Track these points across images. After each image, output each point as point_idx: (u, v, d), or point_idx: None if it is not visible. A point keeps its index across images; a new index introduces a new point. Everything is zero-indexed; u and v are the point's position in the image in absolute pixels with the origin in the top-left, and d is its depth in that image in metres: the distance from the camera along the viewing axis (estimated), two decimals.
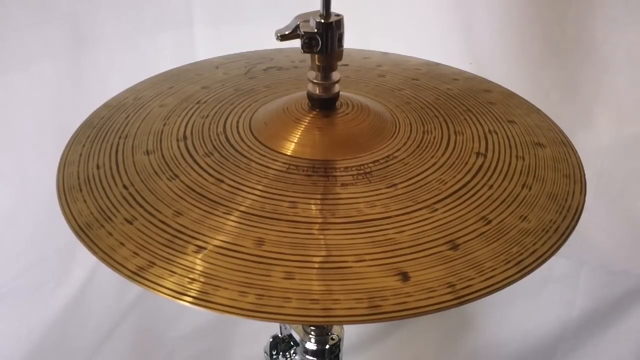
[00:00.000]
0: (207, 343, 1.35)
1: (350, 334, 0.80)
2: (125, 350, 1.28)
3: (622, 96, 1.03)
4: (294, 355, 0.79)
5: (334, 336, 0.75)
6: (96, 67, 1.06)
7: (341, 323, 0.44)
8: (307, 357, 0.75)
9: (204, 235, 0.50)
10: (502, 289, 0.46)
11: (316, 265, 0.47)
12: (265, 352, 0.79)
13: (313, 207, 0.53)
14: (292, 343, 0.78)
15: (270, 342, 0.79)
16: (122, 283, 1.11)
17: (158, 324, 1.30)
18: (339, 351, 0.76)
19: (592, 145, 1.04)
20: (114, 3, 1.05)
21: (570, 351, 1.25)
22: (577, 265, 1.17)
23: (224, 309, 0.44)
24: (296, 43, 0.60)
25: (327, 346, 0.75)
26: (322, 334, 0.74)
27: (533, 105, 0.73)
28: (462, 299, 0.45)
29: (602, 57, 1.00)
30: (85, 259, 1.14)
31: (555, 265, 1.19)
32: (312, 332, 0.74)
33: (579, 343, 1.24)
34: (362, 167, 0.57)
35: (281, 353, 0.79)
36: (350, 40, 0.64)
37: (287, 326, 0.77)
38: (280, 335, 0.79)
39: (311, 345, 0.75)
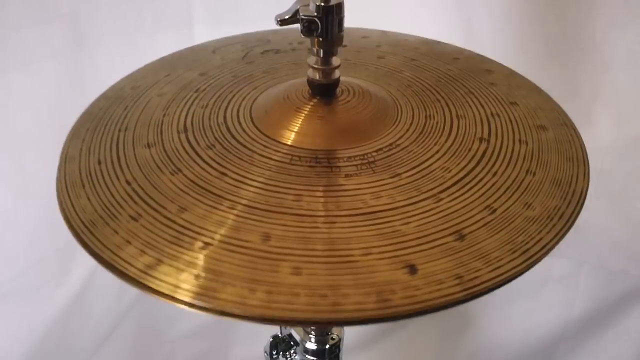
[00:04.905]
0: (207, 343, 1.34)
1: (350, 333, 0.79)
2: (125, 351, 1.28)
3: (622, 96, 1.03)
4: (294, 355, 0.78)
5: (334, 336, 0.75)
6: (96, 67, 1.06)
7: (352, 319, 0.44)
8: (307, 357, 0.75)
9: (210, 230, 0.49)
10: (509, 280, 0.46)
11: (323, 260, 0.47)
12: (265, 352, 0.79)
13: (318, 199, 0.52)
14: (292, 343, 0.78)
15: (270, 342, 0.78)
16: (122, 282, 1.11)
17: (158, 324, 1.29)
18: (339, 351, 0.76)
19: (592, 145, 1.03)
20: (114, 3, 1.05)
21: (570, 351, 1.25)
22: (577, 265, 1.17)
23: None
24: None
25: (327, 346, 0.75)
26: (322, 333, 0.74)
27: (535, 85, 0.71)
28: (470, 290, 0.44)
29: (602, 57, 1.01)
30: (85, 259, 1.12)
31: (555, 265, 1.19)
32: (312, 332, 0.74)
33: (579, 343, 1.24)
34: (365, 157, 0.56)
35: (281, 353, 0.79)
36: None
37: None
38: (280, 335, 0.78)
39: (311, 345, 0.75)
